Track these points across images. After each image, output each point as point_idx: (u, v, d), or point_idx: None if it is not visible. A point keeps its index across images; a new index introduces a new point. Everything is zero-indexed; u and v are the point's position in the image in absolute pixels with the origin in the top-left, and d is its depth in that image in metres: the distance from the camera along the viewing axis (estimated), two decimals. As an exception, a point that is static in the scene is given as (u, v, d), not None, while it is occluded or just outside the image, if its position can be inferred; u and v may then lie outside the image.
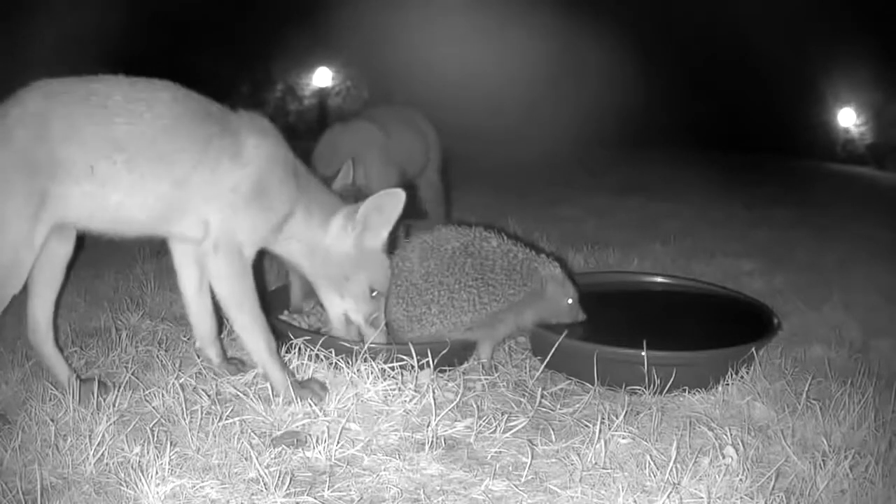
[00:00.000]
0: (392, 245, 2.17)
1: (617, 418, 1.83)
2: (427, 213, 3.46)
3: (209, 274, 1.90)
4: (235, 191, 1.83)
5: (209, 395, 1.90)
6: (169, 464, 1.57)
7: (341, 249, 2.02)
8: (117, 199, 1.74)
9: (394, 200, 2.00)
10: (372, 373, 1.98)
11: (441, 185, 3.55)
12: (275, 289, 2.60)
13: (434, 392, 1.91)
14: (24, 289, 1.81)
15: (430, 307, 2.11)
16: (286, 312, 2.48)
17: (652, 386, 2.04)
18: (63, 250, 1.89)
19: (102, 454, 1.61)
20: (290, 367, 2.04)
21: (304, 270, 2.09)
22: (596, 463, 1.68)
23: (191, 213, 1.82)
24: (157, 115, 1.75)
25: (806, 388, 2.06)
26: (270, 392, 1.89)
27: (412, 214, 3.12)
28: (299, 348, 2.09)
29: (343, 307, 2.08)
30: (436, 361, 2.04)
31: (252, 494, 1.51)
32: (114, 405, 1.82)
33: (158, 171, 1.75)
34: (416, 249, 2.16)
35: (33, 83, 1.72)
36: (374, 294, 2.08)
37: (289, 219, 1.94)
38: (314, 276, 2.07)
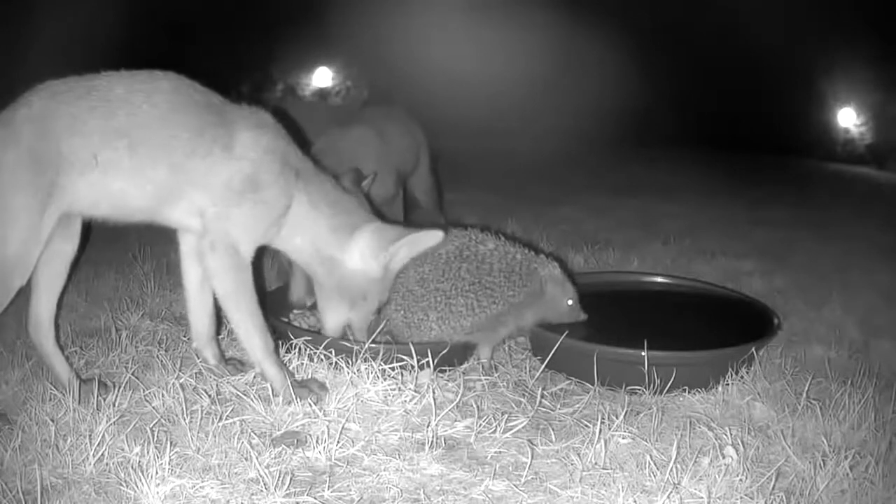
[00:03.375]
0: None
1: (617, 418, 1.83)
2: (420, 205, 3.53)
3: (207, 271, 1.90)
4: (229, 185, 1.84)
5: (209, 395, 1.90)
6: (169, 464, 1.57)
7: (368, 275, 2.04)
8: (119, 185, 1.78)
9: (430, 240, 2.04)
10: (372, 373, 1.98)
11: (432, 183, 3.57)
12: (274, 289, 2.59)
13: (434, 392, 1.91)
14: (27, 285, 1.82)
15: (427, 314, 2.10)
16: (292, 314, 2.45)
17: (652, 386, 2.04)
18: (68, 247, 1.91)
19: (102, 454, 1.61)
20: (290, 367, 2.04)
21: (313, 274, 2.08)
22: (596, 463, 1.68)
23: (183, 198, 1.84)
24: (154, 104, 1.79)
25: (806, 388, 2.07)
26: (270, 392, 1.88)
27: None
28: (299, 348, 2.09)
29: (348, 317, 2.10)
30: (436, 361, 2.04)
31: (252, 494, 1.51)
32: (114, 405, 1.82)
33: (156, 156, 1.79)
34: None
35: (38, 85, 1.78)
36: None
37: (287, 211, 1.94)
38: (325, 286, 2.07)
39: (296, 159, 1.97)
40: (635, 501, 1.54)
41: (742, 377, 2.13)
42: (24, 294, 1.84)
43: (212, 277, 1.90)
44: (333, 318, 2.11)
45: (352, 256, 2.02)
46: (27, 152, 1.71)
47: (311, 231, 1.99)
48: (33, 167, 1.71)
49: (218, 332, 2.13)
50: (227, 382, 1.98)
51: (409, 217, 3.37)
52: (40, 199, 1.72)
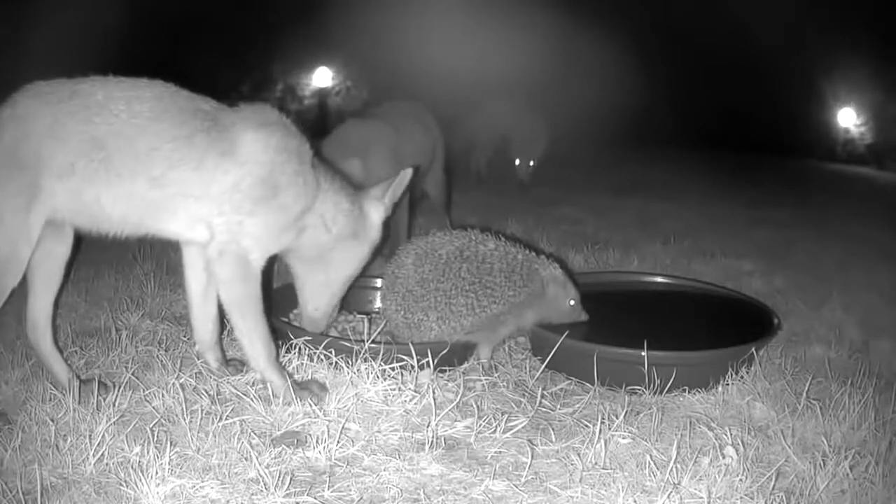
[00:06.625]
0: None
1: (617, 418, 1.84)
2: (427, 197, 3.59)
3: (214, 277, 1.87)
4: (237, 189, 1.79)
5: (209, 395, 1.90)
6: (169, 464, 1.57)
7: (376, 238, 2.11)
8: (94, 195, 1.73)
9: (405, 180, 2.12)
10: (372, 373, 1.98)
11: (444, 179, 3.58)
12: (279, 287, 2.58)
13: (434, 392, 1.91)
14: (25, 287, 1.82)
15: (427, 314, 2.10)
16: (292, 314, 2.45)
17: (652, 386, 2.04)
18: (61, 249, 1.89)
19: (102, 454, 1.61)
20: (290, 367, 2.04)
21: (324, 263, 2.05)
22: (596, 463, 1.68)
23: (179, 212, 1.79)
24: (134, 113, 1.73)
25: (806, 388, 2.07)
26: (270, 392, 1.88)
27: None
28: (299, 348, 2.09)
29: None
30: (436, 361, 2.04)
31: (252, 494, 1.51)
32: (114, 405, 1.82)
33: (134, 168, 1.73)
34: (409, 255, 2.15)
35: (25, 86, 1.76)
36: None
37: (308, 213, 1.91)
38: (341, 276, 2.09)
39: (310, 155, 1.92)
40: (635, 501, 1.54)
41: (742, 377, 2.13)
42: (23, 294, 1.84)
43: (219, 285, 1.87)
44: (332, 303, 2.13)
45: (373, 225, 2.09)
46: (10, 152, 1.69)
47: (347, 221, 2.00)
48: (16, 167, 1.69)
49: (220, 335, 2.12)
50: (227, 382, 1.97)
51: (415, 211, 3.38)
52: (26, 199, 1.69)
